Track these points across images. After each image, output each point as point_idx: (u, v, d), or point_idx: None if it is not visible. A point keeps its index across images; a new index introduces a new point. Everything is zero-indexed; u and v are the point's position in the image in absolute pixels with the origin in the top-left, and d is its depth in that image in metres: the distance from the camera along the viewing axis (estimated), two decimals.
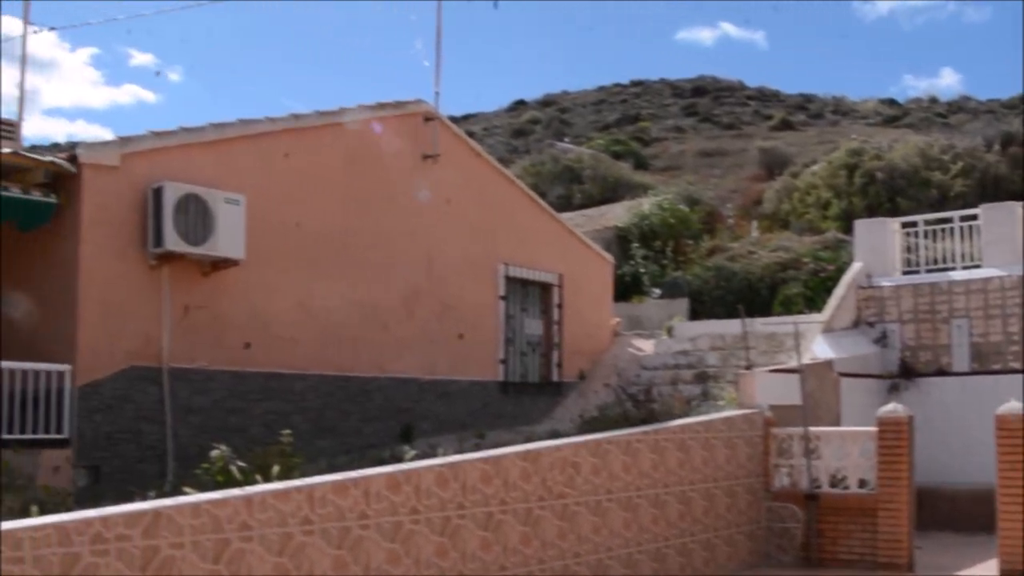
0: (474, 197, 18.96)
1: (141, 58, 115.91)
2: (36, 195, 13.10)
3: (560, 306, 20.76)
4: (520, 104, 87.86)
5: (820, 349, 17.90)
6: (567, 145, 56.16)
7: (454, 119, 19.88)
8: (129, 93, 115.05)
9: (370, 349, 16.68)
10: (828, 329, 18.63)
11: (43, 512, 9.16)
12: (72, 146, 14.08)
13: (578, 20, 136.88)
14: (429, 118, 18.00)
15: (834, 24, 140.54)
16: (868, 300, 19.37)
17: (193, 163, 14.30)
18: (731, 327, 20.81)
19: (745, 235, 32.85)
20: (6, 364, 12.61)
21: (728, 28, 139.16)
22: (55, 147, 14.38)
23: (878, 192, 34.44)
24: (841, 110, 79.20)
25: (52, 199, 13.18)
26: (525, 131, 75.39)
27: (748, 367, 16.47)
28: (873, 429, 14.36)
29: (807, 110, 78.84)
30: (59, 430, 12.85)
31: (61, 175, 13.24)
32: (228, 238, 14.05)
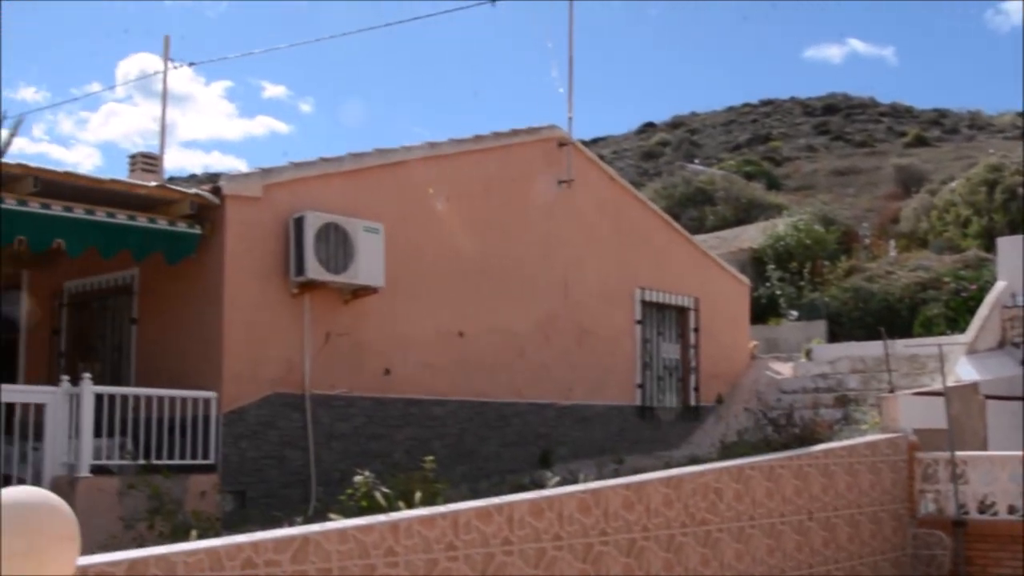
0: (609, 221, 18.93)
1: (274, 90, 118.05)
2: (182, 226, 13.40)
3: (697, 330, 20.60)
4: (649, 126, 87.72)
5: (964, 371, 17.50)
6: (698, 167, 55.92)
7: (584, 143, 19.87)
8: (262, 124, 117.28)
9: (508, 374, 16.71)
10: (972, 350, 18.22)
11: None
12: (215, 178, 14.37)
13: (705, 41, 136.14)
14: (563, 143, 18.01)
15: (966, 36, 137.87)
16: (1013, 320, 18.89)
17: (332, 192, 14.49)
18: (871, 349, 20.48)
19: (882, 255, 32.27)
20: (155, 391, 12.90)
21: (856, 44, 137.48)
22: (192, 178, 14.70)
23: (1020, 208, 33.61)
24: (977, 124, 77.61)
25: (197, 230, 13.47)
26: (655, 153, 75.25)
27: (891, 390, 16.19)
28: (1022, 454, 14.00)
29: (942, 125, 77.40)
30: (206, 456, 13.08)
31: (205, 206, 13.51)
32: (368, 266, 14.20)
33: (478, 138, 16.89)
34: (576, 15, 18.40)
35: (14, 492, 2.57)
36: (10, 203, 12.14)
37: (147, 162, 18.44)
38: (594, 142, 76.94)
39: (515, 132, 17.49)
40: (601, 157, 22.23)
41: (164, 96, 21.42)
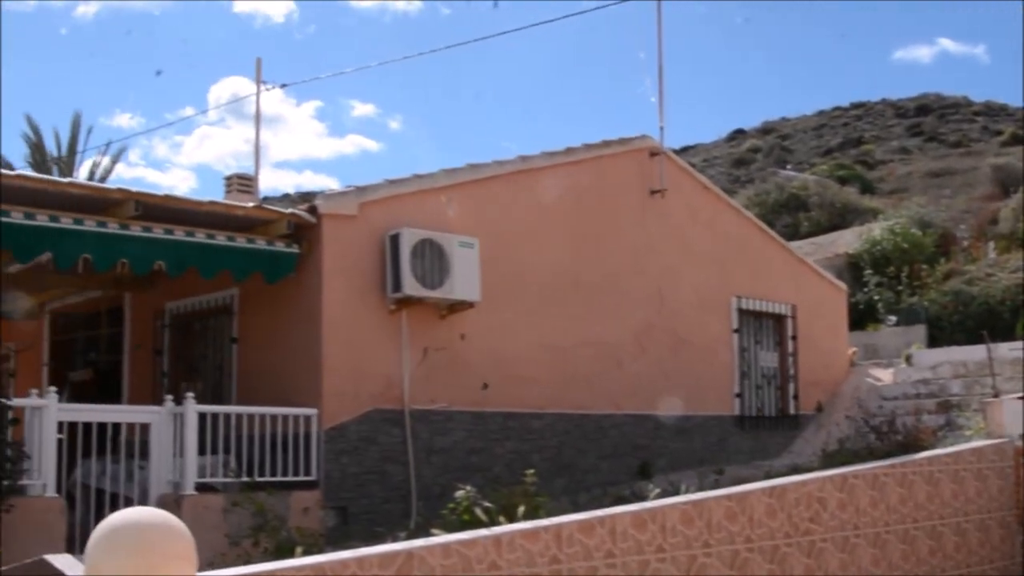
0: (703, 230, 18.82)
1: (363, 109, 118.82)
2: (280, 246, 13.55)
3: (795, 337, 20.39)
4: (739, 133, 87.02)
5: None
6: (790, 172, 55.42)
7: (675, 151, 19.77)
8: (352, 143, 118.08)
9: (605, 386, 16.65)
10: None
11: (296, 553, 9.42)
12: (308, 196, 14.56)
13: (793, 45, 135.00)
14: (654, 153, 17.95)
15: None
16: None
17: (427, 208, 14.58)
18: (973, 353, 20.15)
19: (982, 257, 31.73)
20: (257, 409, 13.06)
21: (947, 44, 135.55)
22: (286, 198, 14.85)
23: None
24: None
25: (295, 249, 13.61)
26: (746, 160, 74.72)
27: (995, 395, 15.89)
28: None
29: None
30: (308, 472, 13.21)
31: (302, 225, 13.66)
32: (464, 281, 14.25)
33: (569, 150, 16.88)
34: (664, 24, 18.28)
35: (131, 512, 2.62)
36: (113, 227, 12.37)
37: (243, 183, 18.68)
38: (684, 150, 76.51)
39: (606, 143, 17.46)
40: (692, 165, 22.10)
41: (257, 118, 21.73)
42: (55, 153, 33.36)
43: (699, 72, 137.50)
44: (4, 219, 11.68)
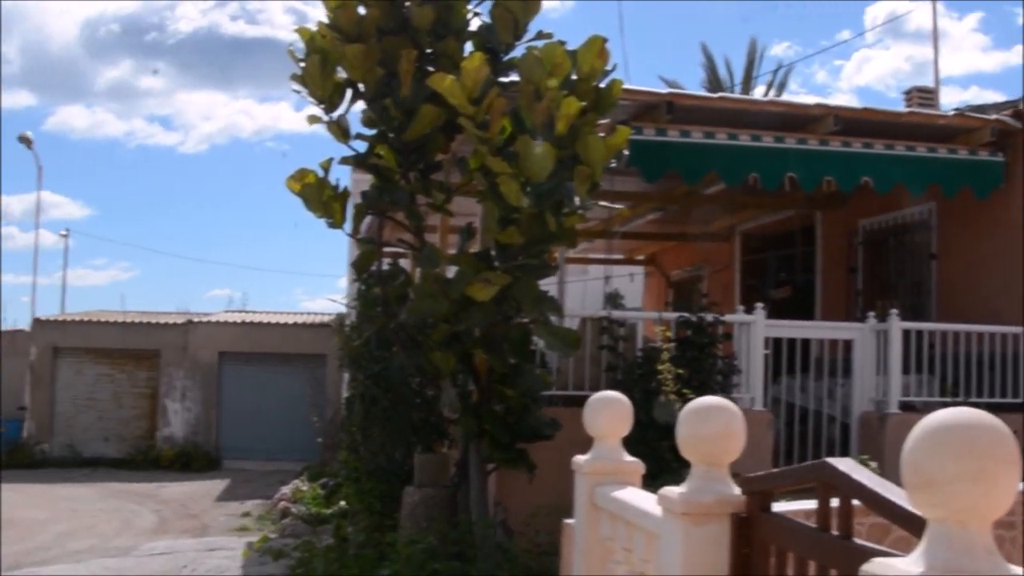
0: None
1: None
2: (983, 155, 12.91)
3: None
4: None
5: None
6: None
7: None
8: (1019, 53, 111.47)
9: None
10: None
11: None
12: (980, 110, 13.73)
13: None
14: None
15: None
16: None
17: None
18: None
19: None
20: (959, 327, 12.55)
21: None
22: (957, 112, 14.00)
23: None
24: None
25: (1000, 158, 12.91)
26: None
27: None
28: None
29: None
30: (1015, 394, 12.54)
31: (1005, 132, 12.90)
32: None
33: None
34: None
35: (958, 413, 2.49)
36: (813, 144, 12.36)
37: (923, 96, 18.04)
38: None
39: None
40: None
41: (935, 27, 20.98)
42: (727, 82, 34.09)
43: None
44: (710, 140, 12.02)
